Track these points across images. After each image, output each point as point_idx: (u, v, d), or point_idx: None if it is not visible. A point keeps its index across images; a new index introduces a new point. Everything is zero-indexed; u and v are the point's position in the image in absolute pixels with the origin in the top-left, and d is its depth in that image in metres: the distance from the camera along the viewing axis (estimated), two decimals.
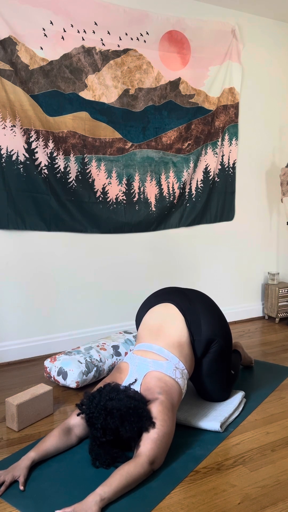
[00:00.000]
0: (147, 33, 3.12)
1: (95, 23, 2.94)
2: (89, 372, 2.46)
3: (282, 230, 4.01)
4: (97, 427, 1.67)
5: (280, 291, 3.73)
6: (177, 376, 1.91)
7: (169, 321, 2.08)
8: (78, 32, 2.90)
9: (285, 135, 3.91)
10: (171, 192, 3.36)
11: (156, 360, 1.94)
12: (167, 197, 3.35)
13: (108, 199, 3.14)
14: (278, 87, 3.81)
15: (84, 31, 2.92)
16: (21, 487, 1.60)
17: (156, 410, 1.75)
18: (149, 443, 1.65)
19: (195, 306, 2.13)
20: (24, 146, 2.80)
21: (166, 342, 2.01)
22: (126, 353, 2.69)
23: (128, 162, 3.17)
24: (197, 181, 3.48)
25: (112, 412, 1.67)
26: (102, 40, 2.98)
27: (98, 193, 3.10)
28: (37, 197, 2.89)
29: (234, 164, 3.64)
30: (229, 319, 3.77)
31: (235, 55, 3.49)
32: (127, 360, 2.02)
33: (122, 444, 1.76)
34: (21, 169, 2.82)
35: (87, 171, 3.04)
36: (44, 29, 2.79)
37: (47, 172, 2.89)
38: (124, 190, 3.19)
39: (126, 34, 3.05)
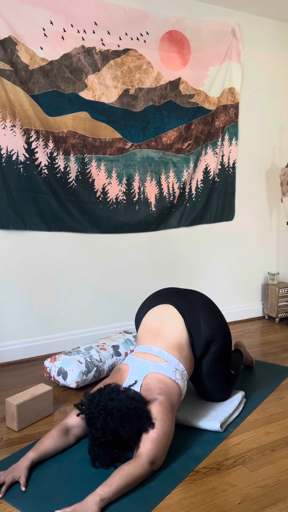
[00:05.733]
0: (147, 33, 3.12)
1: (95, 23, 2.94)
2: (89, 372, 2.46)
3: (282, 230, 4.01)
4: (97, 427, 1.67)
5: (280, 291, 3.73)
6: (177, 378, 1.91)
7: (168, 323, 2.08)
8: (78, 32, 2.90)
9: (285, 135, 3.91)
10: (171, 192, 3.36)
11: (156, 362, 1.94)
12: (167, 197, 3.35)
13: (108, 199, 3.14)
14: (278, 87, 3.80)
15: (84, 31, 2.92)
16: (23, 488, 1.59)
17: (156, 410, 1.75)
18: (149, 443, 1.65)
19: (194, 307, 2.13)
20: (24, 146, 2.80)
21: (165, 344, 2.01)
22: (126, 353, 2.69)
23: (128, 162, 3.17)
24: (197, 181, 3.48)
25: (112, 413, 1.67)
26: (102, 40, 2.98)
27: (98, 193, 3.10)
28: (37, 197, 2.89)
29: (234, 164, 3.64)
30: (229, 319, 3.77)
31: (235, 55, 3.49)
32: (127, 362, 2.02)
33: (122, 445, 1.76)
34: (21, 169, 2.82)
35: (87, 171, 3.04)
36: (44, 29, 2.79)
37: (47, 172, 2.89)
38: (124, 190, 3.19)
39: (126, 34, 3.05)
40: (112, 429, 1.67)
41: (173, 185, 3.36)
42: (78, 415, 1.75)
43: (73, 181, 3.00)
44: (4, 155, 2.76)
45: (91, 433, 1.71)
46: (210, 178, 3.52)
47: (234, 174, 3.65)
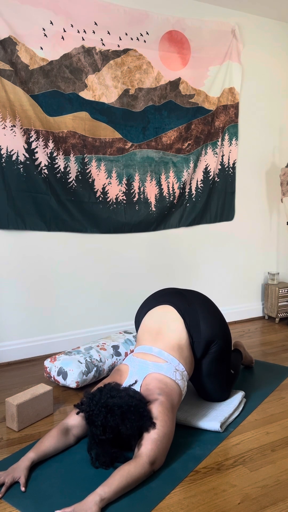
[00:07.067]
0: (147, 33, 3.12)
1: (95, 23, 2.94)
2: (89, 372, 2.46)
3: (282, 230, 4.01)
4: (97, 424, 1.67)
5: (280, 291, 3.73)
6: (177, 378, 1.91)
7: (168, 323, 2.08)
8: (78, 32, 2.90)
9: (285, 135, 3.91)
10: (171, 192, 3.36)
11: (156, 363, 1.94)
12: (167, 197, 3.35)
13: (108, 199, 3.14)
14: (278, 87, 3.80)
15: (84, 31, 2.92)
16: (22, 488, 1.59)
17: (156, 410, 1.75)
18: (149, 444, 1.65)
19: (194, 307, 2.12)
20: (24, 146, 2.80)
21: (165, 345, 2.01)
22: (126, 353, 2.69)
23: (128, 162, 3.17)
24: (197, 181, 3.48)
25: (113, 410, 1.67)
26: (102, 40, 2.98)
27: (98, 193, 3.10)
28: (37, 197, 2.89)
29: (234, 164, 3.64)
30: (229, 319, 3.77)
31: (235, 55, 3.49)
32: (127, 362, 2.02)
33: (122, 443, 1.76)
34: (21, 169, 2.82)
35: (87, 171, 3.04)
36: (44, 29, 2.79)
37: (47, 172, 2.89)
38: (124, 190, 3.19)
39: (126, 34, 3.05)
40: (112, 427, 1.66)
41: (173, 185, 3.36)
42: (78, 413, 1.75)
43: (73, 181, 3.00)
44: (4, 155, 2.76)
45: (90, 430, 1.71)
46: (210, 178, 3.52)
47: (234, 174, 3.65)
